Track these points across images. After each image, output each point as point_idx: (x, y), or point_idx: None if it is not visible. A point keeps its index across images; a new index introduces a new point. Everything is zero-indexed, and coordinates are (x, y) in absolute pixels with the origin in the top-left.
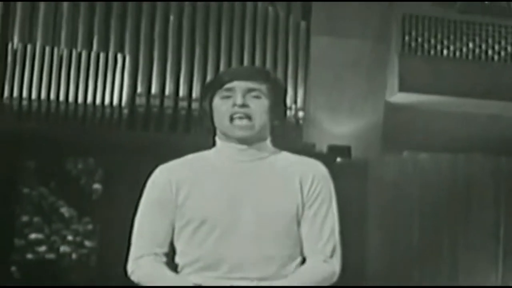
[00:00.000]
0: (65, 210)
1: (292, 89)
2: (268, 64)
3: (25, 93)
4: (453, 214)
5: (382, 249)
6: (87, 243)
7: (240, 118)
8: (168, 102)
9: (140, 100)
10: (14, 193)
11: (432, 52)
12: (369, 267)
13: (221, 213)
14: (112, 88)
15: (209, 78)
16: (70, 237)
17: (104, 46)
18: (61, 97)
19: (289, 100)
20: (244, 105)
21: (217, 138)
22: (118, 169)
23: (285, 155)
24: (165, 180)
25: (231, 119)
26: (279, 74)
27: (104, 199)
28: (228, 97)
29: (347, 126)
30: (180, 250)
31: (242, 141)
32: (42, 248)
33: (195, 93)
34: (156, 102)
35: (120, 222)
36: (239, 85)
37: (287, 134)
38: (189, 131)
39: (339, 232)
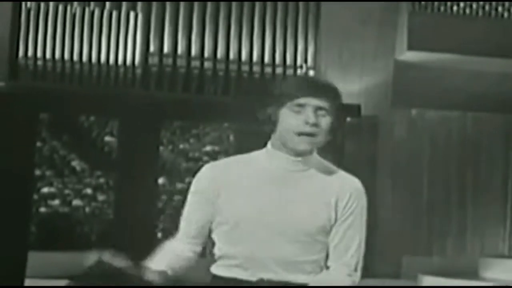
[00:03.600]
0: (77, 164)
1: (302, 48)
2: (278, 23)
3: (39, 53)
4: (462, 171)
5: (393, 206)
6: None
7: (308, 135)
8: (180, 62)
9: (152, 60)
10: (27, 148)
11: (442, 9)
12: (379, 224)
13: (257, 218)
14: (125, 47)
15: (220, 37)
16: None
17: (117, 4)
18: (75, 57)
19: (299, 59)
20: (314, 124)
21: (270, 144)
22: (132, 126)
23: (327, 168)
24: (209, 177)
25: (299, 134)
26: (289, 34)
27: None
28: (298, 112)
29: (357, 84)
30: (216, 243)
31: (298, 154)
32: (55, 202)
33: (207, 53)
34: (168, 61)
35: (132, 176)
36: (311, 103)
37: None
38: (202, 90)
39: None
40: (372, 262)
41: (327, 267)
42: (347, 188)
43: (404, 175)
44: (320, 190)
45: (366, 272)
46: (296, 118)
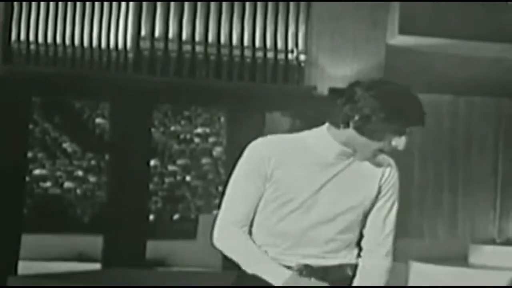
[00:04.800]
0: (68, 146)
1: (293, 32)
2: (270, 7)
3: (32, 37)
4: (453, 154)
5: None
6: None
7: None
8: (172, 46)
9: (144, 44)
10: (20, 131)
11: None
12: None
13: (308, 197)
14: (116, 31)
15: (211, 21)
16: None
17: None
18: (67, 41)
19: (290, 43)
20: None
21: (328, 130)
22: (123, 109)
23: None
24: (263, 153)
25: (375, 153)
26: (281, 17)
27: (109, 136)
28: (396, 135)
29: (349, 68)
30: (258, 221)
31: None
32: (47, 184)
33: (198, 37)
34: (160, 45)
35: (124, 158)
36: (408, 131)
37: (289, 77)
38: (194, 74)
39: None
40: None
41: (360, 248)
42: (385, 170)
43: (395, 159)
44: (364, 175)
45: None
46: (390, 141)
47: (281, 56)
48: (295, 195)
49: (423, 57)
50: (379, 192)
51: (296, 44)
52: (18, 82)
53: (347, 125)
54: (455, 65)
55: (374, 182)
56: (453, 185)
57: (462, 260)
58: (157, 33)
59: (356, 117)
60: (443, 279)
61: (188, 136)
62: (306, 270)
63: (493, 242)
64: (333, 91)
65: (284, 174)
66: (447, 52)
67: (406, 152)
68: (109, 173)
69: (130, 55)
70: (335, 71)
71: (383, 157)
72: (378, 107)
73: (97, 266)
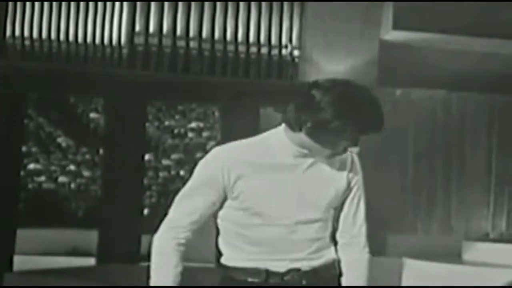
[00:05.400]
0: (62, 140)
1: (287, 27)
2: (264, 3)
3: (26, 33)
4: (446, 149)
5: (377, 185)
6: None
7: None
8: (166, 41)
9: (138, 39)
10: (15, 126)
11: None
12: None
13: (277, 204)
14: (111, 26)
15: (205, 16)
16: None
17: None
18: (62, 37)
19: (284, 39)
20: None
21: (284, 131)
22: (118, 105)
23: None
24: (221, 166)
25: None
26: (275, 13)
27: (103, 130)
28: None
29: (343, 64)
30: (236, 231)
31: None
32: (41, 178)
33: (192, 32)
34: (154, 41)
35: (118, 152)
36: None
37: (283, 73)
38: (188, 70)
39: None
40: None
41: (335, 242)
42: (351, 163)
43: (389, 154)
44: (331, 171)
45: None
46: (339, 143)
47: (275, 51)
48: (264, 205)
49: (417, 52)
50: (348, 185)
51: (290, 40)
52: (12, 77)
53: (299, 130)
54: (448, 60)
55: (342, 176)
56: (447, 181)
57: (456, 256)
58: (151, 28)
59: (309, 124)
60: (437, 276)
61: (182, 131)
62: (297, 274)
63: (486, 237)
64: None
65: (247, 185)
66: (441, 47)
67: (399, 148)
68: (103, 167)
69: (124, 50)
70: (329, 66)
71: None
72: (333, 116)
73: (91, 260)
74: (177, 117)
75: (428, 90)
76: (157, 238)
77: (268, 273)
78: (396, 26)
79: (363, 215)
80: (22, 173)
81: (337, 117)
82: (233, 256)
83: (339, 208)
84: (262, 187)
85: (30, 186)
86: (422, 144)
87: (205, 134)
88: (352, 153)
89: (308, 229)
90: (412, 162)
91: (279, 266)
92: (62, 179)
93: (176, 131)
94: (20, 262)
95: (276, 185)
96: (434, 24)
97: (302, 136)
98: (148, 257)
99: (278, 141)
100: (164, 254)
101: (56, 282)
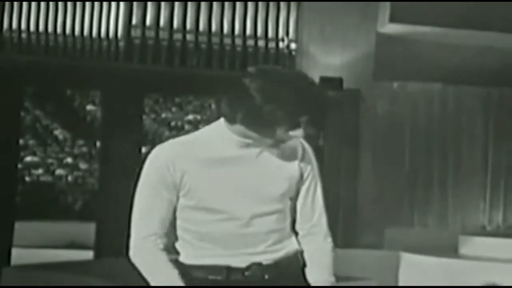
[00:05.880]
0: (59, 133)
1: (284, 20)
2: None
3: (23, 26)
4: (443, 143)
5: (374, 178)
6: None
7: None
8: (163, 34)
9: (135, 32)
10: (12, 119)
11: None
12: (361, 197)
13: (227, 198)
14: (108, 19)
15: (202, 9)
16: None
17: None
18: (59, 30)
19: (281, 32)
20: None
21: (224, 122)
22: (115, 98)
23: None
24: (165, 163)
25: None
26: (272, 6)
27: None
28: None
29: (339, 57)
30: (190, 229)
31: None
32: (39, 171)
33: (189, 25)
34: (151, 34)
35: (115, 145)
36: (304, 120)
37: (280, 65)
38: (185, 63)
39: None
40: (353, 234)
41: (296, 233)
42: (301, 151)
43: (386, 148)
44: (279, 160)
45: (349, 242)
46: (283, 130)
47: (272, 44)
48: (214, 201)
49: (414, 46)
50: (301, 174)
51: (287, 33)
52: (9, 70)
53: (234, 121)
54: (445, 53)
55: (293, 164)
56: (443, 173)
57: (452, 251)
58: (148, 21)
59: (242, 113)
60: (433, 270)
61: (179, 123)
62: (258, 268)
63: (483, 229)
64: (324, 80)
65: (194, 181)
66: (438, 40)
67: (396, 141)
68: (100, 160)
69: (121, 43)
70: (325, 59)
71: (296, 139)
72: (262, 102)
73: (89, 253)
74: (174, 109)
75: (425, 83)
76: (137, 252)
77: (228, 269)
78: (393, 19)
79: (321, 204)
80: (19, 166)
81: (265, 102)
82: (191, 254)
83: (295, 199)
84: (210, 182)
85: (27, 179)
86: (419, 137)
87: (202, 126)
88: (297, 137)
89: (264, 221)
90: (408, 155)
91: (239, 261)
92: (59, 172)
93: (173, 123)
94: (17, 255)
95: (224, 179)
96: (431, 18)
97: (239, 126)
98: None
99: (220, 133)
100: (154, 264)
101: (55, 276)
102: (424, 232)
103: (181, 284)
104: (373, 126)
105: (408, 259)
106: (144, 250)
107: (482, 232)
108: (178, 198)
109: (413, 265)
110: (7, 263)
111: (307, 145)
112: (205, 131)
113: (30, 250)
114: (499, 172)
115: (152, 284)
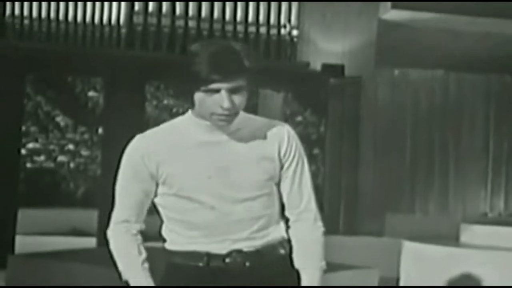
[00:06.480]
0: (61, 119)
1: (286, 7)
2: None
3: (26, 12)
4: (444, 130)
5: (375, 165)
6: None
7: (225, 116)
8: (165, 21)
9: (137, 19)
10: (14, 105)
11: None
12: (362, 186)
13: (205, 185)
14: (110, 6)
15: None
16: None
17: None
18: (61, 16)
19: (283, 18)
20: (229, 108)
21: (191, 111)
22: (117, 85)
23: (256, 121)
24: (141, 153)
25: (216, 115)
26: None
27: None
28: (212, 95)
29: (341, 44)
30: (172, 217)
31: (219, 127)
32: (41, 158)
33: (191, 12)
34: (153, 20)
35: (117, 131)
36: (224, 87)
37: (281, 53)
38: (186, 50)
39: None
40: (354, 221)
41: (287, 219)
42: (283, 131)
43: (387, 135)
44: (256, 144)
45: (350, 229)
46: (211, 99)
47: (273, 31)
48: (192, 189)
49: (416, 32)
50: (283, 157)
51: (289, 20)
52: (12, 56)
53: (193, 104)
54: (447, 40)
55: (273, 147)
56: (445, 160)
57: (453, 239)
58: (150, 8)
59: (192, 89)
60: (435, 258)
61: (180, 110)
62: (239, 255)
63: (485, 216)
64: (326, 67)
65: (170, 170)
66: (440, 27)
67: (397, 127)
68: (102, 146)
69: (123, 30)
70: (327, 46)
71: (277, 122)
72: (200, 69)
73: (92, 240)
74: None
75: (427, 70)
76: (110, 236)
77: (209, 256)
78: (395, 5)
79: (309, 189)
80: (22, 152)
81: (204, 69)
82: (174, 241)
83: (280, 184)
84: (186, 170)
85: (29, 165)
86: (420, 124)
87: None
88: (224, 105)
89: (247, 207)
90: (410, 142)
91: (220, 248)
92: (61, 158)
93: (174, 110)
94: (20, 242)
95: (199, 165)
96: (433, 4)
97: (197, 108)
98: (148, 238)
99: (189, 119)
100: (122, 247)
101: (59, 265)
102: (425, 219)
103: (142, 269)
104: (374, 112)
105: (409, 247)
106: (115, 235)
107: (484, 219)
108: (157, 185)
109: (414, 253)
110: (11, 251)
111: (291, 129)
112: (178, 120)
113: (32, 237)
114: (501, 158)
115: (119, 268)
